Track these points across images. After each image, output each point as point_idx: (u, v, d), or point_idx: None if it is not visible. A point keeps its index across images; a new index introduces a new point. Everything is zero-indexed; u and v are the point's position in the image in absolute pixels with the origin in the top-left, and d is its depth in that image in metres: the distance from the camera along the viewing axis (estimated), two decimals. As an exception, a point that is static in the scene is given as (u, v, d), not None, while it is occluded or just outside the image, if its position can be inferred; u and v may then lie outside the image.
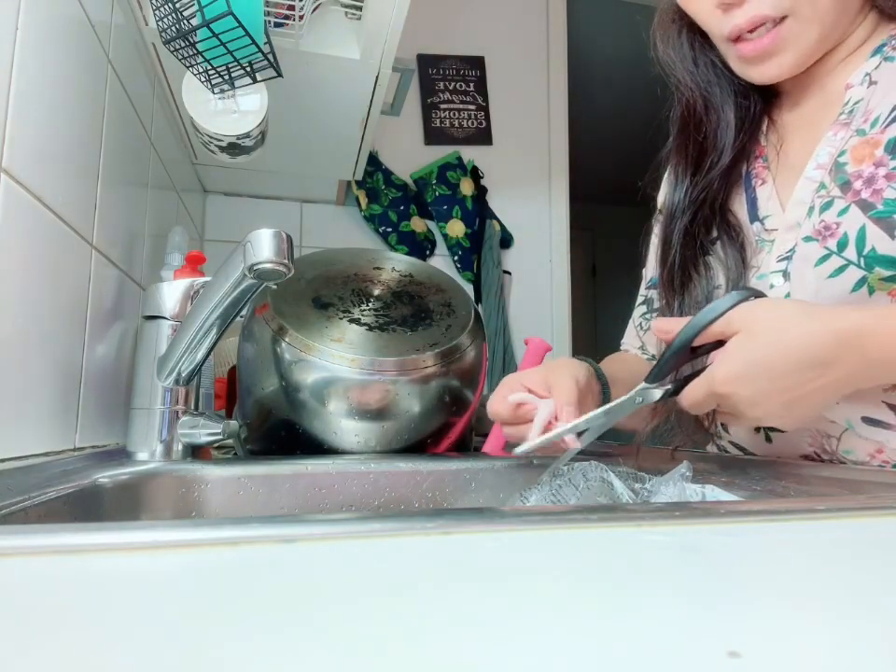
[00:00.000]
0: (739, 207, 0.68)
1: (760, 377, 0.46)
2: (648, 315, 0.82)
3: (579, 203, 2.20)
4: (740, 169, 0.69)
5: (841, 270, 0.55)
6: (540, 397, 0.58)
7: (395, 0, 0.85)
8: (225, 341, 1.08)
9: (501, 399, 0.59)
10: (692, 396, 0.50)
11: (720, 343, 0.49)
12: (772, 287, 0.62)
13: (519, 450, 0.56)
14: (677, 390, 0.52)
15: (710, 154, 0.69)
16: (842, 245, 0.55)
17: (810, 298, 0.58)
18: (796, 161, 0.64)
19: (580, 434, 0.56)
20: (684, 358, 0.51)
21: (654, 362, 0.79)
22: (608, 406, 0.54)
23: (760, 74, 0.62)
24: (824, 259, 0.57)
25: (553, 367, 0.62)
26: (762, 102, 0.70)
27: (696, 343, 0.50)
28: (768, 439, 0.64)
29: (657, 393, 0.53)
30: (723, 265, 0.66)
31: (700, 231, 0.68)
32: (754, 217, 0.66)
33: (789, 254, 0.61)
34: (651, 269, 0.81)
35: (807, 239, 0.59)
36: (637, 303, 0.85)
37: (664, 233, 0.72)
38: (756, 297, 0.50)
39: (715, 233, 0.68)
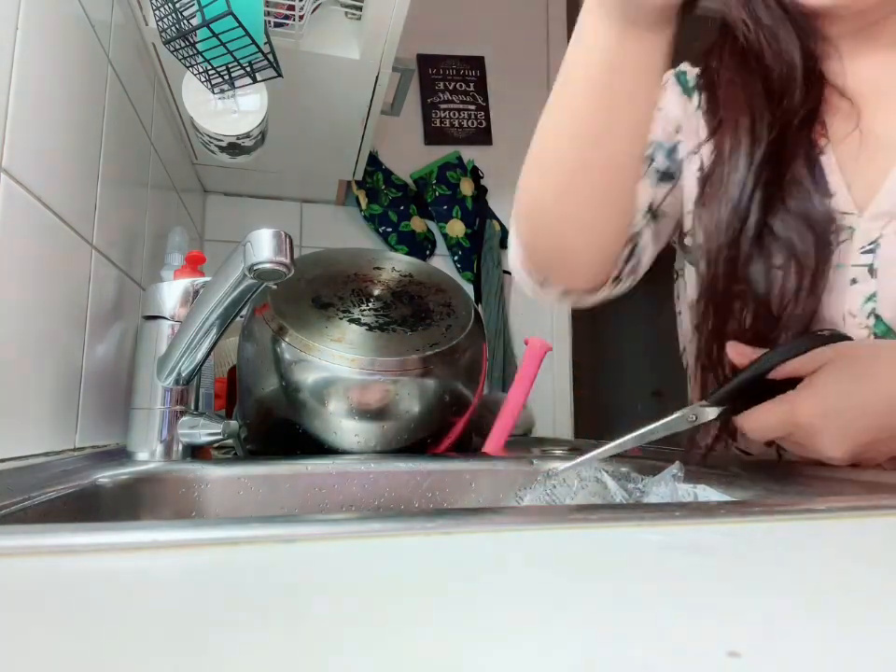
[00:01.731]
0: (803, 178, 0.56)
1: (849, 414, 0.43)
2: (643, 168, 0.65)
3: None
4: (809, 131, 0.57)
5: None
6: None
7: (395, 0, 0.85)
8: (225, 341, 1.08)
9: None
10: (762, 421, 0.46)
11: (791, 383, 0.46)
12: (854, 282, 0.54)
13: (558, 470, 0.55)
14: (735, 409, 0.48)
15: (778, 105, 0.56)
16: None
17: None
18: (879, 137, 0.54)
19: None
20: (753, 389, 0.48)
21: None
22: (655, 424, 0.51)
23: None
24: None
25: None
26: (824, 58, 0.58)
27: (773, 375, 0.47)
28: (779, 456, 0.61)
29: (712, 412, 0.49)
30: (799, 244, 0.54)
31: (774, 199, 0.55)
32: (825, 192, 0.55)
33: (872, 246, 0.53)
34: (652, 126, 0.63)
35: None
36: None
37: (736, 206, 0.56)
38: (840, 339, 0.47)
39: (781, 205, 0.55)
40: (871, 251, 0.53)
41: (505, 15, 2.00)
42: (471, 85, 1.94)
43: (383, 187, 1.78)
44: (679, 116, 0.66)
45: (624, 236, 0.62)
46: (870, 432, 0.43)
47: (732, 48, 0.59)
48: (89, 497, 0.51)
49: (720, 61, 0.61)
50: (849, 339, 0.47)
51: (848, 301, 0.54)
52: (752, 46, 0.56)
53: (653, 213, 0.64)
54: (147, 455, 0.64)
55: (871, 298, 0.53)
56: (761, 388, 0.48)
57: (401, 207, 1.79)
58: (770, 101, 0.56)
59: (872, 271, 0.53)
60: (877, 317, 0.53)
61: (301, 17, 0.86)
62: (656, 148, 0.66)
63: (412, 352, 0.70)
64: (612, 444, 0.52)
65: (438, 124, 1.91)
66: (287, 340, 0.70)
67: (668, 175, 0.65)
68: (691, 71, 0.67)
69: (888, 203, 0.53)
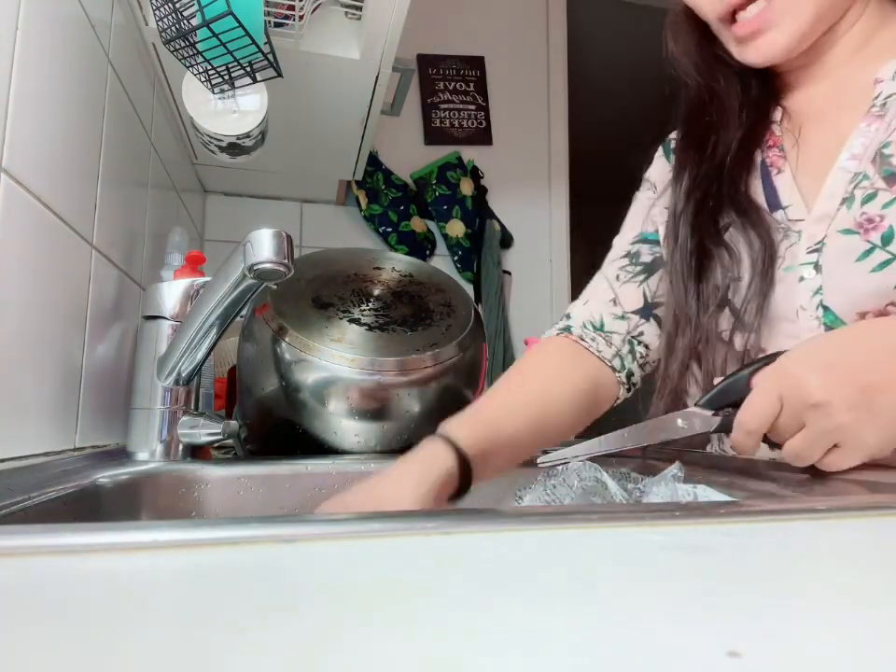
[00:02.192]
0: (757, 196, 0.66)
1: (831, 355, 0.44)
2: (629, 268, 0.73)
3: (579, 204, 2.20)
4: (753, 156, 0.68)
5: (885, 264, 0.54)
6: None
7: (395, 0, 0.85)
8: (225, 341, 1.08)
9: None
10: (756, 399, 0.44)
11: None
12: (802, 279, 0.60)
13: (542, 460, 0.56)
14: (726, 426, 0.47)
15: (714, 136, 0.68)
16: (886, 239, 0.54)
17: (843, 291, 0.57)
18: (821, 152, 0.62)
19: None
20: (742, 393, 0.47)
21: (613, 330, 0.71)
22: (641, 425, 0.50)
23: (757, 53, 0.62)
24: (868, 253, 0.55)
25: (383, 493, 0.51)
26: (768, 92, 0.70)
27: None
28: (772, 446, 0.63)
29: (707, 423, 0.47)
30: (748, 252, 0.63)
31: (719, 212, 0.66)
32: (776, 205, 0.64)
33: (818, 246, 0.59)
34: (634, 226, 0.76)
35: (847, 232, 0.57)
36: (610, 258, 0.76)
37: (672, 218, 0.69)
38: None
39: (729, 219, 0.65)
40: (817, 250, 0.59)
41: (505, 15, 2.00)
42: (471, 85, 1.94)
43: (383, 187, 1.78)
44: (660, 180, 0.76)
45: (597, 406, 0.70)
46: (857, 374, 0.43)
47: (686, 99, 0.72)
48: (89, 497, 0.51)
49: (680, 105, 0.73)
50: None
51: (799, 297, 0.60)
52: (697, 97, 0.70)
53: (649, 308, 0.71)
54: (147, 455, 0.64)
55: (818, 291, 0.59)
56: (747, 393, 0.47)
57: (401, 207, 1.79)
58: (706, 134, 0.68)
59: (817, 267, 0.59)
60: (825, 308, 0.58)
61: (301, 17, 0.86)
62: (640, 242, 0.75)
63: (412, 352, 0.70)
64: (596, 442, 0.53)
65: (438, 124, 1.91)
66: (287, 340, 0.70)
67: (659, 262, 0.73)
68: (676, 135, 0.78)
69: (826, 207, 0.59)
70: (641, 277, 0.72)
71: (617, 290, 0.72)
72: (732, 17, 0.61)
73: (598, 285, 0.74)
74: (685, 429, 0.48)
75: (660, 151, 0.78)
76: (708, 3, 0.62)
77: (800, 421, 0.44)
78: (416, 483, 0.50)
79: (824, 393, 0.42)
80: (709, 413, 0.48)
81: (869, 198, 0.56)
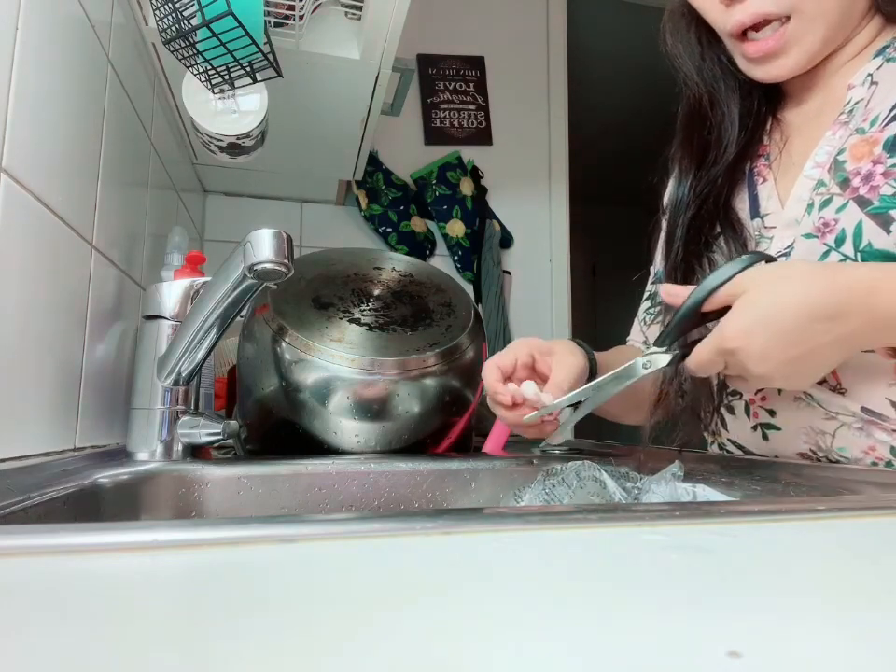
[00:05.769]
0: (742, 204, 0.69)
1: (767, 331, 0.46)
2: (651, 310, 0.82)
3: (579, 204, 2.20)
4: (743, 167, 0.70)
5: None
6: (536, 366, 0.62)
7: (395, 0, 0.85)
8: (225, 341, 1.08)
9: (494, 371, 0.61)
10: (699, 356, 0.50)
11: (728, 310, 0.49)
12: None
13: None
14: (685, 356, 0.51)
15: (714, 149, 0.70)
16: (840, 241, 0.56)
17: None
18: (797, 160, 0.65)
19: (576, 406, 0.57)
20: (693, 324, 0.51)
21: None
22: (616, 371, 0.53)
23: (764, 73, 0.63)
24: (825, 255, 0.58)
25: (558, 349, 0.64)
26: (766, 100, 0.71)
27: (705, 308, 0.50)
28: (765, 437, 0.65)
29: (665, 358, 0.52)
30: (726, 261, 0.66)
31: (704, 227, 0.69)
32: (755, 213, 0.67)
33: (787, 250, 0.62)
34: (656, 264, 0.82)
35: (808, 236, 0.60)
36: (642, 299, 0.85)
37: (668, 228, 0.73)
38: (766, 261, 0.50)
39: (718, 229, 0.69)
40: (786, 254, 0.62)
41: (505, 15, 2.00)
42: (471, 85, 1.94)
43: (383, 187, 1.78)
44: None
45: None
46: (790, 348, 0.47)
47: (686, 101, 0.73)
48: (89, 497, 0.51)
49: (680, 110, 0.74)
50: (769, 257, 0.51)
51: None
52: (699, 102, 0.71)
53: None
54: (147, 455, 0.64)
55: None
56: (701, 322, 0.51)
57: (401, 207, 1.78)
58: (707, 146, 0.70)
59: None
60: None
61: (301, 17, 0.86)
62: (657, 281, 0.81)
63: (412, 352, 0.70)
64: (570, 395, 0.56)
65: (438, 124, 1.90)
66: (287, 340, 0.70)
67: None
68: None
69: (793, 214, 0.62)
70: (661, 317, 0.78)
71: (646, 333, 0.81)
72: (742, 33, 0.61)
73: (634, 328, 0.84)
74: (648, 369, 0.52)
75: (675, 173, 0.79)
76: (720, 18, 0.62)
77: (740, 374, 0.51)
78: (575, 363, 0.62)
79: (763, 368, 0.48)
80: (663, 350, 0.52)
81: (825, 203, 0.58)
